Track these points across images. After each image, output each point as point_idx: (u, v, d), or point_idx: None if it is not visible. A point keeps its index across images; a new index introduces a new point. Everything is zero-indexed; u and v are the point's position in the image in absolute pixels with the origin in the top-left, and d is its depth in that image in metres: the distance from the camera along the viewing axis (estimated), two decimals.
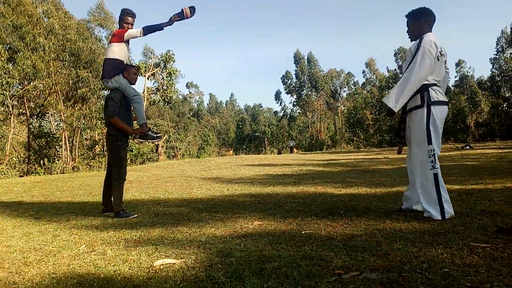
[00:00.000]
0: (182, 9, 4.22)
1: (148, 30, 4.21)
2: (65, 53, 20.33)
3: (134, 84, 4.45)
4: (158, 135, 4.63)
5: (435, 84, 3.24)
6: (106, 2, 30.22)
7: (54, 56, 19.41)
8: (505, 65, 44.17)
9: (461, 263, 2.03)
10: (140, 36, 4.24)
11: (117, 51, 4.31)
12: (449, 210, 3.07)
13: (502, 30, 44.87)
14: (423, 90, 3.20)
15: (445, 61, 3.33)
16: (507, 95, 43.81)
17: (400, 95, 3.20)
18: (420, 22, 3.34)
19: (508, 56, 43.78)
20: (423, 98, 3.21)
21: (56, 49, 19.50)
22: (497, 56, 45.01)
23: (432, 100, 3.19)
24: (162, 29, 4.23)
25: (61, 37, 19.78)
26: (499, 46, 45.03)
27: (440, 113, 3.22)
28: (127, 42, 4.39)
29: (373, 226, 3.03)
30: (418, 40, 3.28)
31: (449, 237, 2.54)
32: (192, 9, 4.25)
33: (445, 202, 3.06)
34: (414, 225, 2.95)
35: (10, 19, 17.43)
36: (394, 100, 3.22)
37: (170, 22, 4.21)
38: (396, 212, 3.61)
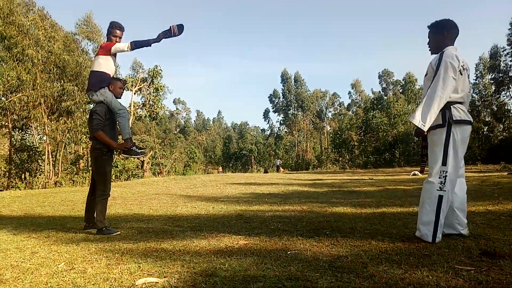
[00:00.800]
0: (170, 27, 4.25)
1: (136, 45, 4.20)
2: (51, 65, 20.09)
3: (120, 98, 4.42)
4: (142, 150, 4.57)
5: (458, 102, 3.12)
6: (94, 15, 30.16)
7: (41, 68, 19.18)
8: (484, 90, 45.52)
9: (446, 286, 2.04)
10: (128, 50, 4.23)
11: (103, 64, 4.28)
12: (439, 235, 3.04)
13: (480, 57, 46.48)
14: (445, 108, 3.06)
15: (468, 75, 3.22)
16: (487, 119, 44.99)
17: (427, 113, 3.02)
18: (443, 34, 3.21)
19: (487, 82, 45.15)
20: (444, 117, 3.06)
21: (43, 61, 19.28)
22: (477, 82, 46.43)
23: (454, 119, 3.05)
24: (150, 46, 4.24)
25: (46, 48, 19.57)
26: (478, 72, 46.53)
27: (461, 134, 3.08)
28: (114, 55, 4.37)
29: (358, 247, 3.03)
30: (439, 54, 3.15)
31: (434, 260, 2.55)
32: (180, 27, 4.27)
33: (439, 226, 3.02)
34: (399, 247, 2.96)
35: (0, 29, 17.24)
36: (421, 119, 3.05)
37: (158, 39, 4.21)
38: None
